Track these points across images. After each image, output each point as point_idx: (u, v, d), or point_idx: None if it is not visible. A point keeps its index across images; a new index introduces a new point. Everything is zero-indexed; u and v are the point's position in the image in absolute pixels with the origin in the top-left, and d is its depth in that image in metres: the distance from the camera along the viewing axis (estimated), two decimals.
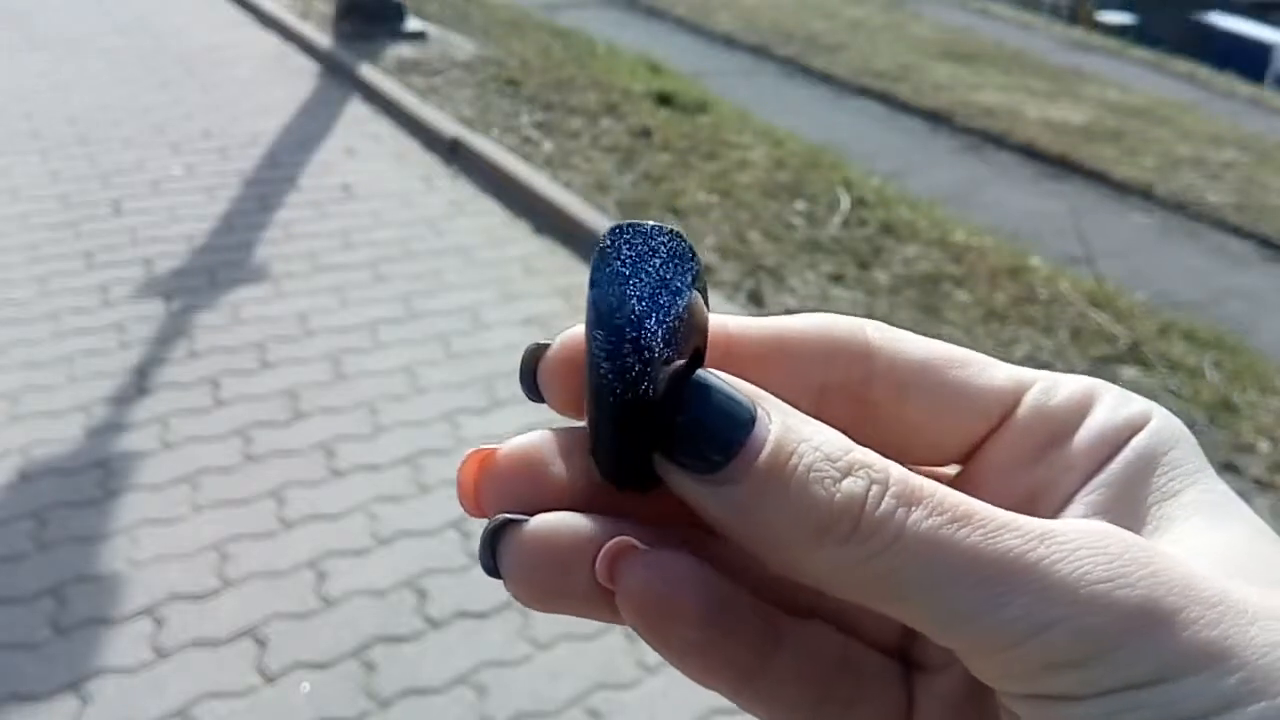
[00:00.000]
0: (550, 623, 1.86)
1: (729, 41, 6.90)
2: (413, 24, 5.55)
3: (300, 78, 4.98)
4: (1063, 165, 4.87)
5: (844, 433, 0.24)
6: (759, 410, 0.21)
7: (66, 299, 2.90)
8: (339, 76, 4.97)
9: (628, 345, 0.21)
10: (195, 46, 5.45)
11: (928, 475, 0.26)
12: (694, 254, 0.22)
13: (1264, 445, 2.50)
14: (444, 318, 2.89)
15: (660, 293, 0.22)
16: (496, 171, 3.85)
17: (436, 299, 3.00)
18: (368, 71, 4.88)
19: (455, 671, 1.76)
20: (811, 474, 0.20)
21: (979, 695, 0.24)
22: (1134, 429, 0.24)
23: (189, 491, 2.16)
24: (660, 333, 0.21)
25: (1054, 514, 0.23)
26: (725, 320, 0.25)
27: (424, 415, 2.45)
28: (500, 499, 0.23)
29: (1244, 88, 6.82)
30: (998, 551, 0.19)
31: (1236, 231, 4.28)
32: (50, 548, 1.99)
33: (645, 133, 4.28)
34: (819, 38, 6.95)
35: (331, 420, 2.42)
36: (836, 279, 3.22)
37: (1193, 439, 0.24)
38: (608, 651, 1.81)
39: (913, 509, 0.20)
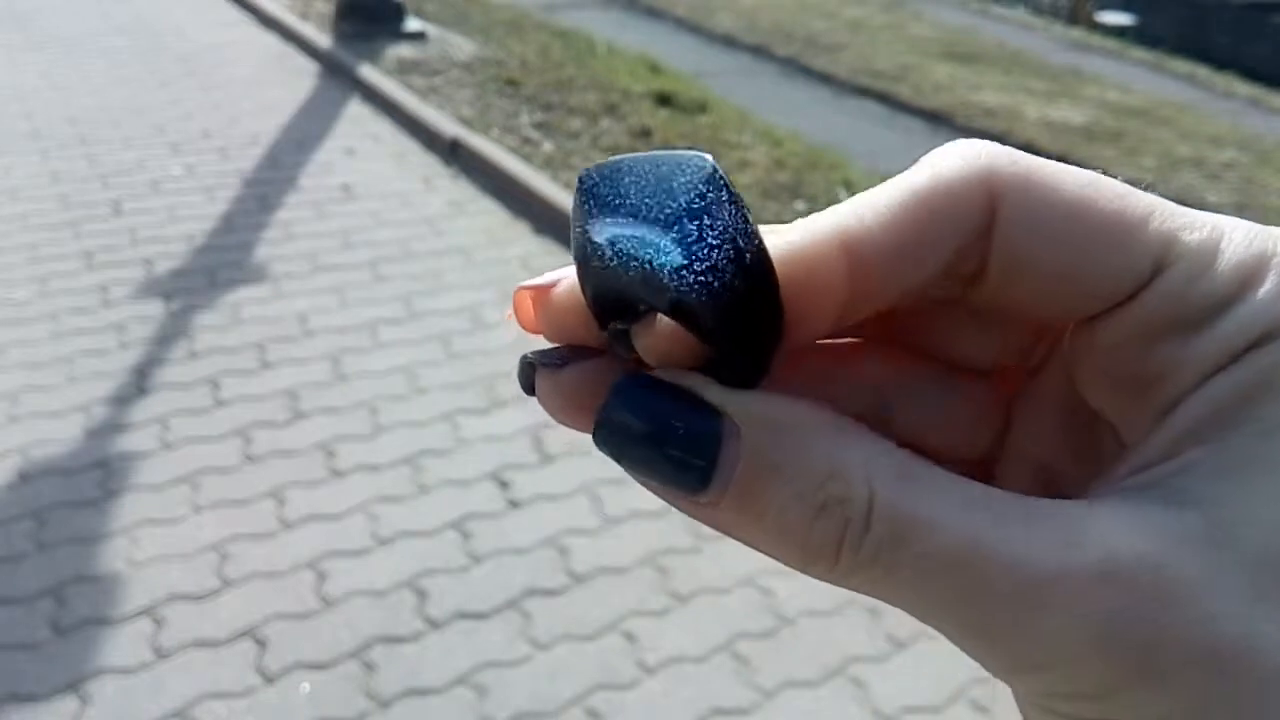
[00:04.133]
0: (550, 623, 1.86)
1: (729, 41, 6.90)
2: (413, 24, 5.55)
3: (300, 78, 4.98)
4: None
5: (954, 308, 0.22)
6: (725, 426, 0.20)
7: (66, 299, 2.90)
8: (339, 77, 4.97)
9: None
10: (195, 46, 5.46)
11: (1035, 340, 0.24)
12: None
13: None
14: (444, 318, 2.89)
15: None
16: (496, 171, 3.85)
17: (436, 299, 3.00)
18: (368, 72, 4.88)
19: (455, 671, 1.76)
20: (784, 514, 0.19)
21: (1083, 412, 0.23)
22: (1268, 336, 0.19)
23: (189, 491, 2.16)
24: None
25: (1156, 417, 0.20)
26: (841, 224, 0.21)
27: (424, 415, 2.45)
28: (554, 331, 0.23)
29: (1244, 88, 6.82)
30: (989, 597, 0.18)
31: None
32: (50, 548, 1.99)
33: (645, 133, 4.28)
34: (819, 38, 6.95)
35: (331, 420, 2.42)
36: None
37: None
38: (608, 651, 1.81)
39: (897, 552, 0.19)
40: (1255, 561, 0.18)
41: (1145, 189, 0.22)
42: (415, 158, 4.09)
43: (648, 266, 0.19)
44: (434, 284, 3.08)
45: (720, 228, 0.19)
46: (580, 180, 0.21)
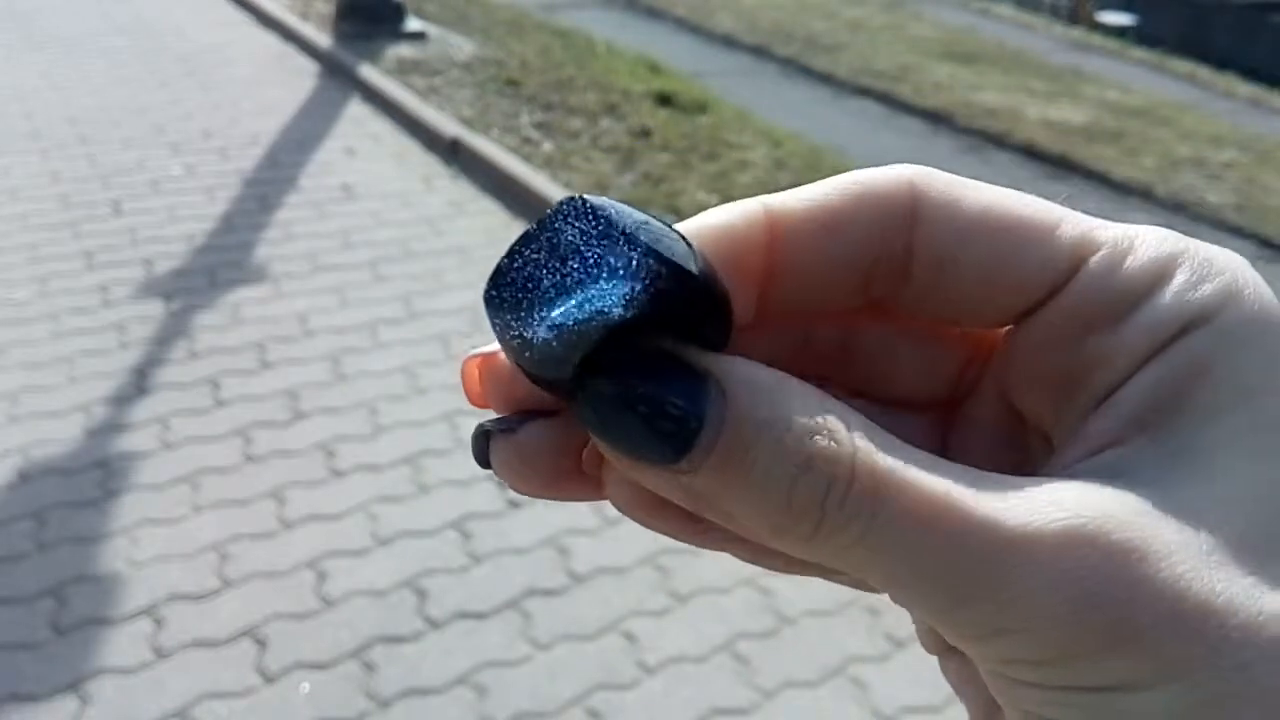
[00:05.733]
0: (550, 623, 1.86)
1: (729, 41, 6.90)
2: (413, 24, 5.55)
3: (300, 78, 4.98)
4: (1063, 165, 4.87)
5: (886, 306, 0.23)
6: (713, 386, 0.19)
7: (66, 299, 2.90)
8: (339, 77, 4.97)
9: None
10: (195, 46, 5.45)
11: (973, 338, 0.25)
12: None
13: None
14: (444, 318, 2.89)
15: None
16: (496, 171, 3.85)
17: (436, 299, 3.00)
18: (368, 72, 4.88)
19: (455, 671, 1.76)
20: (769, 472, 0.19)
21: (1016, 430, 0.24)
22: (1193, 323, 0.20)
23: (189, 491, 2.16)
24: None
25: (1090, 409, 0.21)
26: (767, 200, 0.23)
27: (424, 415, 2.45)
28: (501, 399, 0.23)
29: (1244, 88, 6.82)
30: (963, 556, 0.18)
31: (1237, 231, 4.27)
32: (50, 548, 1.99)
33: (645, 133, 4.28)
34: (819, 38, 6.95)
35: (331, 420, 2.42)
36: None
37: (1277, 344, 0.20)
38: (608, 651, 1.81)
39: (877, 509, 0.19)
40: (1212, 533, 0.19)
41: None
42: (415, 158, 4.09)
43: (600, 319, 0.19)
44: (434, 284, 3.08)
45: (634, 239, 0.20)
46: (488, 301, 0.21)
